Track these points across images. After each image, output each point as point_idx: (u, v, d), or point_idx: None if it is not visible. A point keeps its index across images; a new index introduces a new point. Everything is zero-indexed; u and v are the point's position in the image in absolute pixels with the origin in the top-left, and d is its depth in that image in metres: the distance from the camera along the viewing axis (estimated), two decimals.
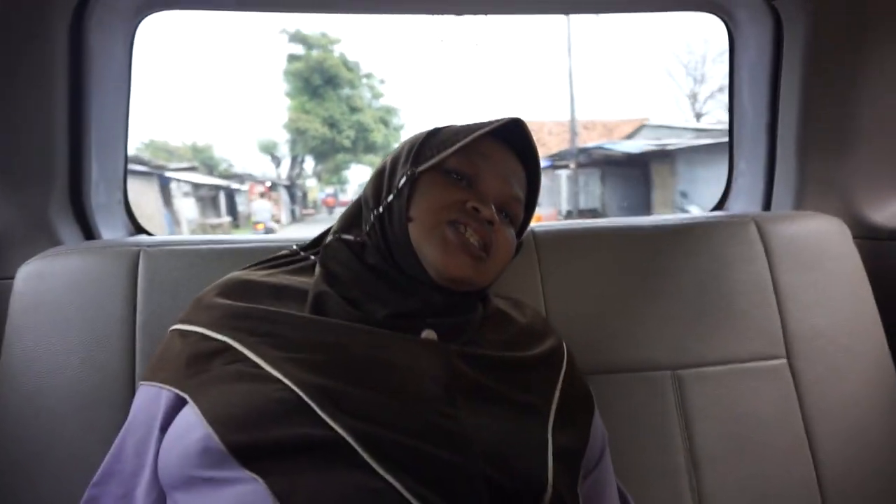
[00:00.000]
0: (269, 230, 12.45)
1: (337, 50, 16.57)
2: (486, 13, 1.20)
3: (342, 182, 18.14)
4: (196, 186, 13.23)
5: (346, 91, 16.74)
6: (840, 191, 1.15)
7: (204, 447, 0.51)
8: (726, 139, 1.34)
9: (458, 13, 1.21)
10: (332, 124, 16.26)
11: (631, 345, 0.92)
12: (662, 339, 0.93)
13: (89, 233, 1.07)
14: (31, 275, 0.84)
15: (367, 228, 0.70)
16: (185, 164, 14.27)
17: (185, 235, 0.97)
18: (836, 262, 0.99)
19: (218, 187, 14.32)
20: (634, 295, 0.95)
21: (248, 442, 0.51)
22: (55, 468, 0.78)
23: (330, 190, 17.83)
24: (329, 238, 0.73)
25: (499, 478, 0.53)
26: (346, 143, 16.45)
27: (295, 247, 0.80)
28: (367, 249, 0.69)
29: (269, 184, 16.51)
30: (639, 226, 1.00)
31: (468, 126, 0.70)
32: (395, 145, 0.74)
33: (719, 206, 1.38)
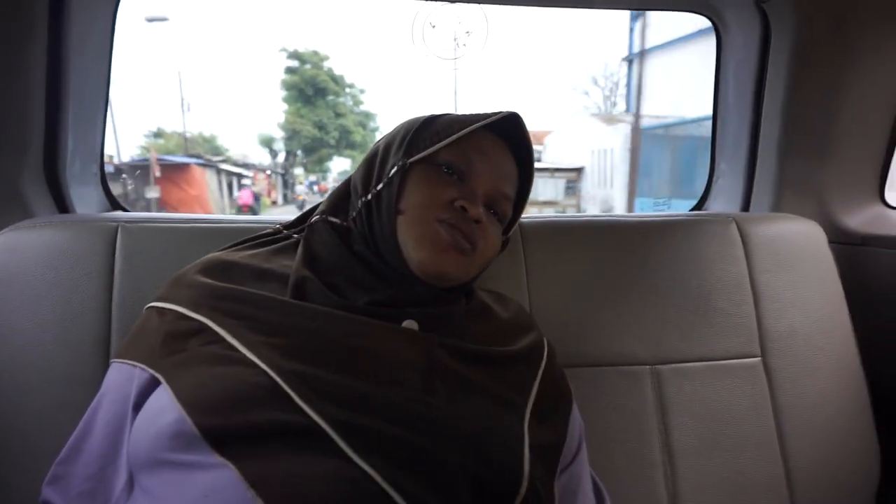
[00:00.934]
0: (304, 202, 15.45)
1: (326, 65, 20.77)
2: (485, 1, 1.18)
3: (324, 171, 22.09)
4: (219, 172, 16.11)
5: (332, 99, 20.96)
6: (817, 195, 1.18)
7: (177, 430, 0.50)
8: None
9: None
10: (320, 127, 20.35)
11: (612, 339, 0.93)
12: (643, 335, 0.94)
13: (63, 206, 1.04)
14: (3, 247, 0.81)
15: (354, 214, 0.69)
16: (218, 157, 18.23)
17: (165, 213, 0.95)
18: (811, 264, 1.01)
19: (232, 173, 17.65)
20: (617, 290, 0.95)
21: (221, 426, 0.50)
22: (24, 445, 0.76)
23: (313, 178, 21.72)
24: (315, 218, 0.71)
25: (476, 468, 0.52)
26: (332, 141, 20.64)
27: (279, 226, 0.78)
28: (352, 235, 0.68)
29: (269, 172, 20.90)
30: (624, 221, 1.01)
31: (464, 117, 0.69)
32: (371, 144, 0.73)
33: (699, 205, 1.39)
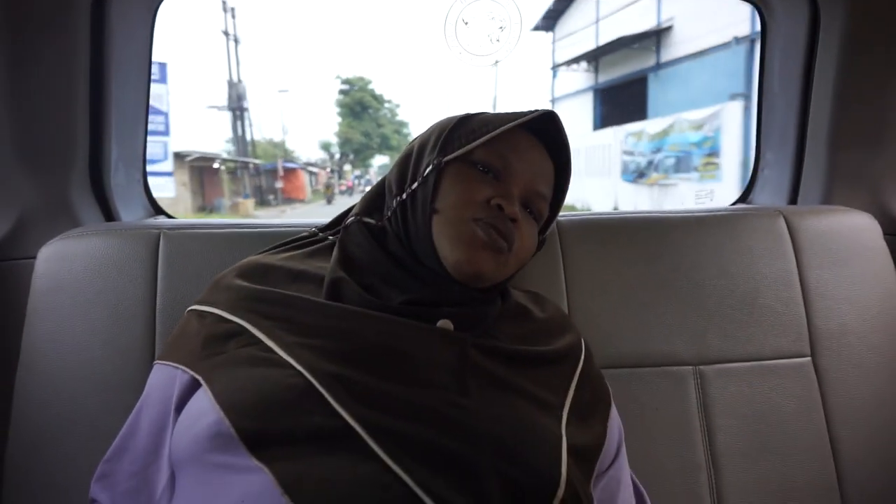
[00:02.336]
0: (352, 189, 22.76)
1: (370, 87, 27.92)
2: None
3: (366, 167, 29.30)
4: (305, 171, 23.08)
5: (374, 112, 27.76)
6: (871, 185, 1.12)
7: (215, 431, 0.51)
8: None
9: None
10: (366, 135, 27.36)
11: (653, 339, 0.91)
12: (685, 334, 0.91)
13: (109, 214, 1.08)
14: (53, 256, 0.84)
15: (389, 214, 0.69)
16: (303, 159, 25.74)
17: (204, 220, 0.97)
18: (866, 258, 0.97)
19: (309, 171, 24.13)
20: (657, 288, 0.93)
21: (258, 429, 0.51)
22: (74, 448, 0.78)
23: (358, 172, 28.90)
24: (350, 219, 0.72)
25: (511, 471, 0.52)
26: (374, 146, 27.77)
27: (314, 229, 0.79)
28: (387, 235, 0.68)
29: (328, 169, 28.43)
30: (664, 217, 0.98)
31: (500, 116, 0.68)
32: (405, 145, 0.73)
33: (743, 198, 1.34)
